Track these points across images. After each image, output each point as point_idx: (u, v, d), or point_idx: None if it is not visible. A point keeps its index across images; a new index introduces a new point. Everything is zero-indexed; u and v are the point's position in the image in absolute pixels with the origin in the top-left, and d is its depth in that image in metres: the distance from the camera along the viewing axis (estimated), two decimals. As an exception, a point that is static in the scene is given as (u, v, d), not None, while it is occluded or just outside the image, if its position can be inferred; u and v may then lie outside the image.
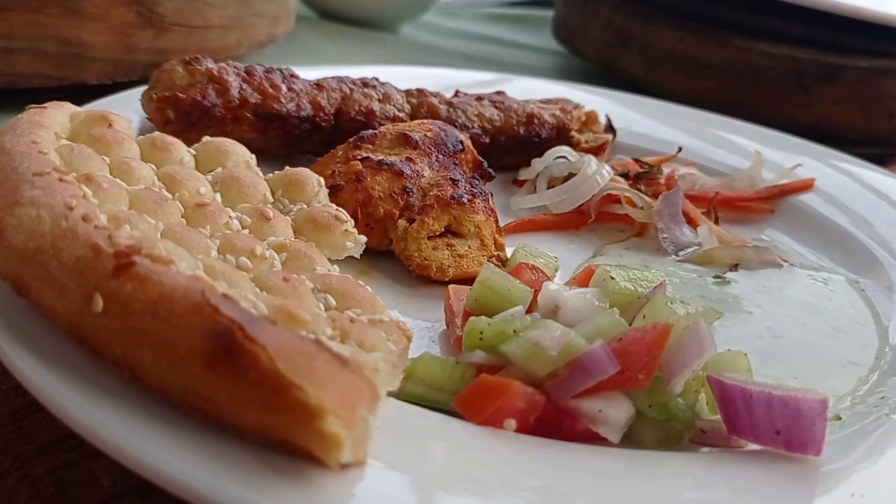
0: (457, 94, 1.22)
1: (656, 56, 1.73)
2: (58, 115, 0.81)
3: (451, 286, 0.83)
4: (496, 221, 0.97)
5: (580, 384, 0.64)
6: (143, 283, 0.55)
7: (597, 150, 1.26)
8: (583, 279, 0.81)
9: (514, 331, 0.68)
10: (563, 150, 1.19)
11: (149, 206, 0.70)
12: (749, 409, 0.63)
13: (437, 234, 0.93)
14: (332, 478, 0.52)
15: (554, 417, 0.65)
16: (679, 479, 0.61)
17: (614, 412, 0.64)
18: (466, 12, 2.56)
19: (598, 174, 1.11)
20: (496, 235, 0.96)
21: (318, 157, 1.15)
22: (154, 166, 0.80)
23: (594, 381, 0.64)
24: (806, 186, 1.23)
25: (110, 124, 0.83)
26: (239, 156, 0.87)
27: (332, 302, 0.65)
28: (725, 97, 1.65)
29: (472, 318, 0.71)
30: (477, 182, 1.00)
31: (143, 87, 1.08)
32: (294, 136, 1.08)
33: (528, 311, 0.75)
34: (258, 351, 0.51)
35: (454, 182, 0.97)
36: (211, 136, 0.92)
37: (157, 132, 0.87)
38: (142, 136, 0.86)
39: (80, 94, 1.23)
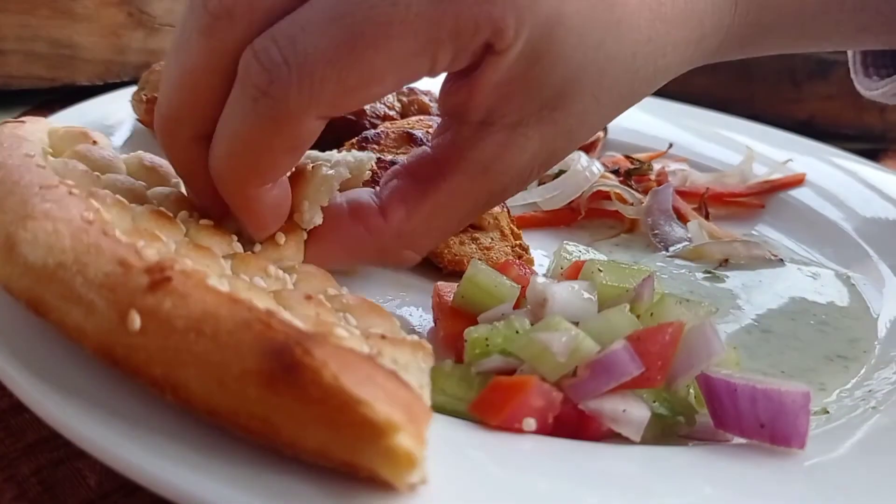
0: (447, 92, 1.22)
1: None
2: (37, 131, 0.77)
3: (438, 283, 0.82)
4: (509, 211, 0.98)
5: (603, 385, 0.64)
6: (183, 299, 0.52)
7: (588, 147, 1.26)
8: (571, 274, 0.81)
9: (517, 331, 0.68)
10: (554, 146, 1.19)
11: (153, 223, 0.67)
12: (734, 402, 0.63)
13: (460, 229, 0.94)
14: (327, 477, 0.52)
15: (573, 417, 0.64)
16: (666, 473, 0.61)
17: (637, 411, 0.64)
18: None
19: (588, 170, 1.12)
20: (512, 226, 0.97)
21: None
22: (144, 184, 0.77)
23: (617, 382, 0.64)
24: (796, 182, 1.23)
25: (94, 142, 0.79)
26: None
27: (353, 321, 0.62)
28: (717, 93, 1.65)
29: (469, 329, 0.70)
30: None
31: (134, 88, 1.08)
32: (284, 135, 1.08)
33: (516, 307, 0.75)
34: (320, 367, 0.48)
35: None
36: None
37: (142, 151, 0.83)
38: (128, 155, 0.82)
39: (71, 95, 1.23)
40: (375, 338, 0.59)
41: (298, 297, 0.62)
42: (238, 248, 0.71)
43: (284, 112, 0.59)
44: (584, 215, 1.11)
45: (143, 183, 0.77)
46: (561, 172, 1.13)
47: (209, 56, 0.61)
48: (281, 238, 0.72)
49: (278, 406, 0.49)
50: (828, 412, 0.74)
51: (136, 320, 0.52)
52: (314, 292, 0.65)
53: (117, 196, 0.67)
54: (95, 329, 0.53)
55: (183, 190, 0.77)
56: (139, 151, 0.83)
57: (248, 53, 0.59)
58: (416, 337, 0.62)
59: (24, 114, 1.30)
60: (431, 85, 1.22)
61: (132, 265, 0.54)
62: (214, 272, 0.62)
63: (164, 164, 0.81)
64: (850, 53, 1.09)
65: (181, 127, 0.66)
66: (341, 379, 0.48)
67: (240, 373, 0.49)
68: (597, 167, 1.13)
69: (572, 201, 1.11)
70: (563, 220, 1.11)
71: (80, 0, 1.27)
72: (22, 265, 0.56)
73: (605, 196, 1.12)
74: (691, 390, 0.70)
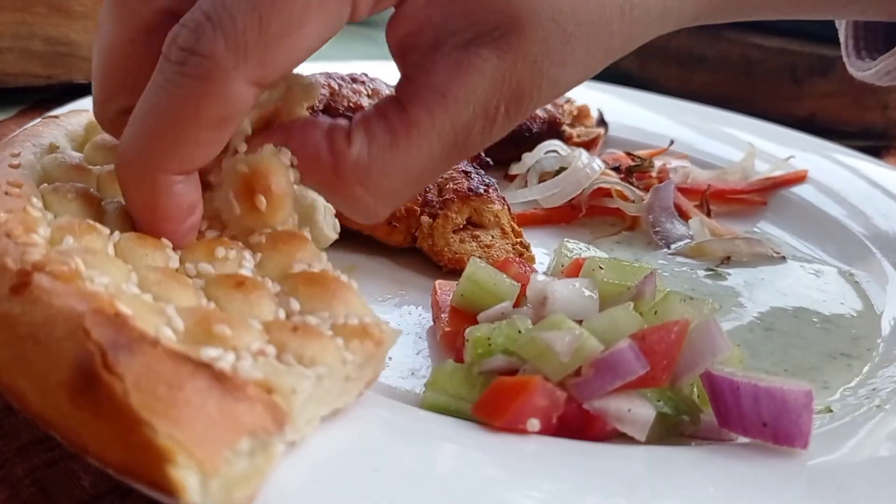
0: (447, 89, 1.21)
1: (649, 50, 1.70)
2: (69, 125, 0.77)
3: (437, 281, 0.82)
4: (509, 209, 0.98)
5: (608, 385, 0.63)
6: (32, 304, 0.50)
7: (589, 145, 1.26)
8: (571, 272, 0.80)
9: (520, 331, 0.68)
10: (554, 144, 1.19)
11: (113, 218, 0.64)
12: (737, 401, 0.62)
13: (461, 227, 0.94)
14: (331, 479, 0.51)
15: (577, 417, 0.63)
16: (669, 473, 0.60)
17: (642, 411, 0.63)
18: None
19: (589, 168, 1.11)
20: (512, 223, 0.97)
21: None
22: None
23: (622, 381, 0.63)
24: (799, 178, 1.22)
25: None
26: None
27: (296, 306, 0.59)
28: (718, 90, 1.65)
29: (470, 329, 0.70)
30: (482, 172, 1.00)
31: (130, 86, 1.07)
32: (282, 132, 1.08)
33: (516, 305, 0.75)
34: (114, 382, 0.46)
35: (466, 174, 0.97)
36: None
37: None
38: None
39: (69, 93, 1.22)
40: (284, 331, 0.55)
41: (227, 288, 0.59)
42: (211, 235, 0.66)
43: (212, 69, 0.55)
44: (585, 213, 1.10)
45: None
46: (562, 170, 1.13)
47: (121, 24, 0.61)
48: (262, 203, 0.64)
49: (82, 420, 0.47)
50: (831, 411, 0.73)
51: None
52: (272, 273, 0.62)
53: (91, 190, 0.66)
54: None
55: None
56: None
57: (176, 27, 0.57)
58: (369, 322, 0.59)
59: (21, 113, 1.29)
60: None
61: (7, 269, 0.53)
62: (137, 264, 0.59)
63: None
64: (842, 37, 1.07)
65: (108, 102, 0.64)
66: (131, 395, 0.45)
67: (55, 384, 0.48)
68: (597, 164, 1.13)
69: (573, 199, 1.10)
70: (564, 217, 1.10)
71: (76, -3, 1.27)
72: None
73: (606, 193, 1.11)
74: (695, 389, 0.69)
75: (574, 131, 1.27)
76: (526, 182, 1.15)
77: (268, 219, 0.65)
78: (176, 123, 0.57)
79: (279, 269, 0.63)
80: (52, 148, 0.72)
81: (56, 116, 0.78)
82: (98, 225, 0.61)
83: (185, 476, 0.44)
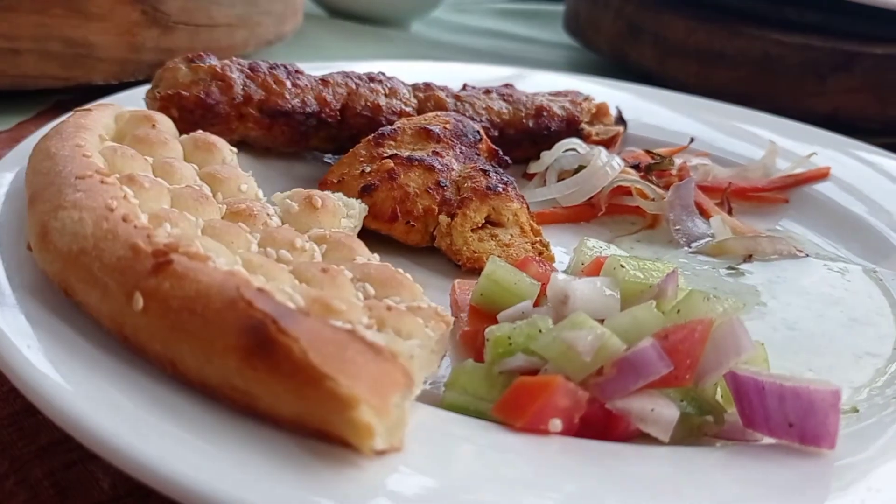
0: (464, 87, 1.21)
1: (668, 47, 1.71)
2: (103, 117, 0.83)
3: (456, 281, 0.81)
4: (528, 207, 0.97)
5: (631, 384, 0.62)
6: (180, 280, 0.57)
7: (608, 143, 1.25)
8: (592, 271, 0.79)
9: (540, 330, 0.67)
10: (573, 142, 1.18)
11: (189, 203, 0.72)
12: (762, 401, 0.61)
13: (479, 226, 0.93)
14: (342, 481, 0.51)
15: (599, 417, 0.63)
16: (693, 474, 0.59)
17: (666, 411, 0.63)
18: (477, 8, 2.55)
19: (608, 166, 1.10)
20: (531, 222, 0.96)
21: (324, 153, 1.14)
22: (196, 166, 0.82)
23: (645, 381, 0.62)
24: (821, 175, 1.21)
25: (154, 125, 0.84)
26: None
27: (371, 290, 0.66)
28: (739, 87, 1.63)
29: (490, 328, 0.69)
30: (501, 170, 0.99)
31: (148, 86, 1.07)
32: (300, 132, 1.07)
33: (536, 305, 0.74)
34: (291, 343, 0.52)
35: (485, 173, 0.97)
36: (215, 133, 0.91)
37: (200, 131, 0.90)
38: (185, 136, 0.87)
39: (87, 94, 1.22)
40: (381, 308, 0.62)
41: (315, 271, 0.65)
42: (275, 221, 0.76)
43: None
44: (605, 211, 1.09)
45: (195, 165, 0.83)
46: (581, 168, 1.12)
47: None
48: (318, 202, 0.79)
49: (255, 379, 0.53)
50: (858, 411, 0.72)
51: (139, 301, 0.57)
52: (339, 261, 0.70)
53: (158, 179, 0.73)
54: (108, 309, 0.59)
55: (233, 165, 0.85)
56: (198, 131, 0.89)
57: None
58: (435, 306, 0.66)
59: (40, 114, 1.29)
60: (447, 80, 1.21)
61: (141, 249, 0.59)
62: (234, 250, 0.67)
63: (217, 141, 0.88)
64: None
65: None
66: (309, 354, 0.52)
67: (223, 348, 0.54)
68: (617, 162, 1.12)
69: (592, 197, 1.09)
70: (583, 216, 1.09)
71: (94, -1, 1.27)
72: (53, 251, 0.62)
73: (626, 191, 1.10)
74: (719, 389, 0.68)
75: (593, 129, 1.26)
76: (545, 180, 1.14)
77: (321, 217, 0.78)
78: None
79: (345, 260, 0.71)
80: (102, 139, 0.78)
81: (89, 109, 0.84)
82: (187, 214, 0.69)
83: (371, 420, 0.51)
